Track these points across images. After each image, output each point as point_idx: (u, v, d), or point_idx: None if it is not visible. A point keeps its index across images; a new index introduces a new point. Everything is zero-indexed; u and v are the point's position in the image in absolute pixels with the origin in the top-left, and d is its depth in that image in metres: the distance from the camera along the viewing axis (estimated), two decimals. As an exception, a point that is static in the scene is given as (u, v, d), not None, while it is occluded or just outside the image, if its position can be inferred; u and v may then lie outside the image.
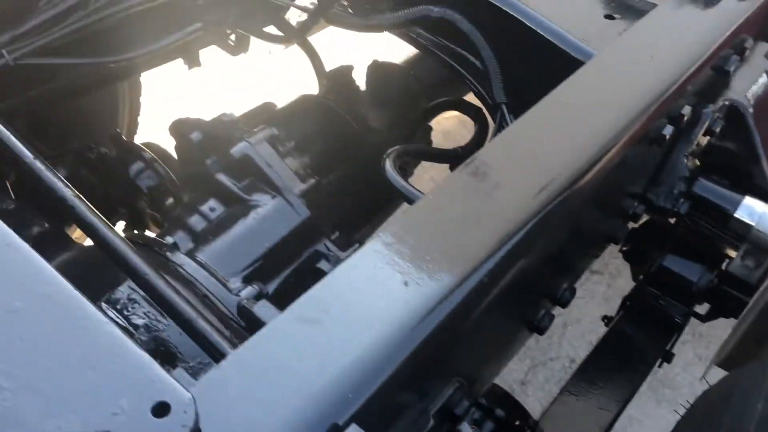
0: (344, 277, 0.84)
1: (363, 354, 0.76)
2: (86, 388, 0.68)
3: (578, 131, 1.10)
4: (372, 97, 1.99)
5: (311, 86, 2.23)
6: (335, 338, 0.78)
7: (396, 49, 2.17)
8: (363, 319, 0.80)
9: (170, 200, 2.07)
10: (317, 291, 0.83)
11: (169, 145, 2.10)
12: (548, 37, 1.38)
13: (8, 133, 1.37)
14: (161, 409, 0.67)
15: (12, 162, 1.35)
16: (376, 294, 0.83)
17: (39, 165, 1.33)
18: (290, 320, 0.80)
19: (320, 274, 1.65)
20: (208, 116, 1.94)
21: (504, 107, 1.43)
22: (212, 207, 1.66)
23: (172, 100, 3.57)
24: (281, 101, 2.03)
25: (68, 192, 1.27)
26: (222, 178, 1.66)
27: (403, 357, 0.79)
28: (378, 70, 2.02)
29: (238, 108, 2.04)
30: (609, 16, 1.43)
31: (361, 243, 1.70)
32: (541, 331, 1.25)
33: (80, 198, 1.29)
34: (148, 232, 2.20)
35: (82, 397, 0.67)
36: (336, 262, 1.65)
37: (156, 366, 0.70)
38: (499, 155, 1.06)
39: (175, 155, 2.08)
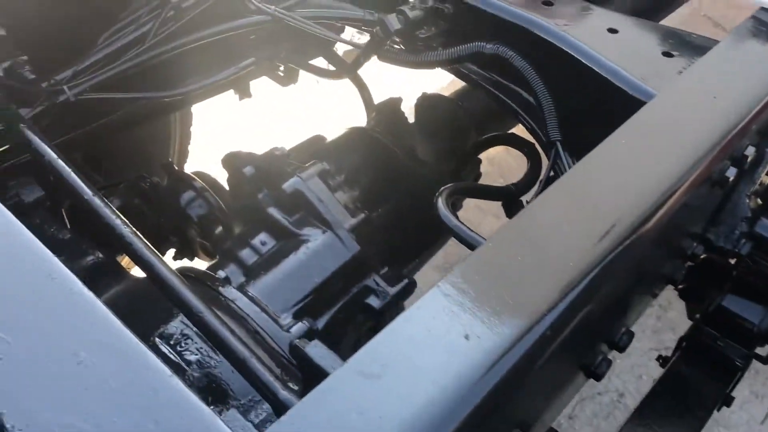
0: (404, 330, 0.83)
1: (423, 410, 0.75)
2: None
3: (641, 175, 1.08)
4: (421, 130, 1.99)
5: (359, 117, 2.24)
6: (395, 394, 0.77)
7: (443, 80, 2.18)
8: (423, 374, 0.79)
9: (220, 229, 2.10)
10: (377, 343, 0.82)
11: (218, 172, 2.13)
12: (604, 75, 1.36)
13: (66, 166, 1.41)
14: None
15: (70, 194, 1.39)
16: (437, 347, 0.82)
17: (98, 201, 1.36)
18: (350, 374, 0.79)
19: (369, 310, 1.65)
20: (258, 147, 1.96)
21: (558, 145, 1.41)
22: (263, 241, 1.67)
23: (221, 129, 3.63)
24: (330, 132, 2.04)
25: (126, 230, 1.30)
26: (273, 212, 1.67)
27: (463, 414, 0.77)
28: (427, 103, 2.02)
29: (288, 139, 2.06)
30: (667, 54, 1.40)
31: (410, 278, 1.70)
32: (598, 377, 1.22)
33: (137, 235, 1.32)
34: (197, 260, 2.24)
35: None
36: (385, 297, 1.64)
37: (219, 422, 0.70)
38: (561, 199, 1.04)
39: (224, 184, 2.11)
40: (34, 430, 0.68)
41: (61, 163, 1.42)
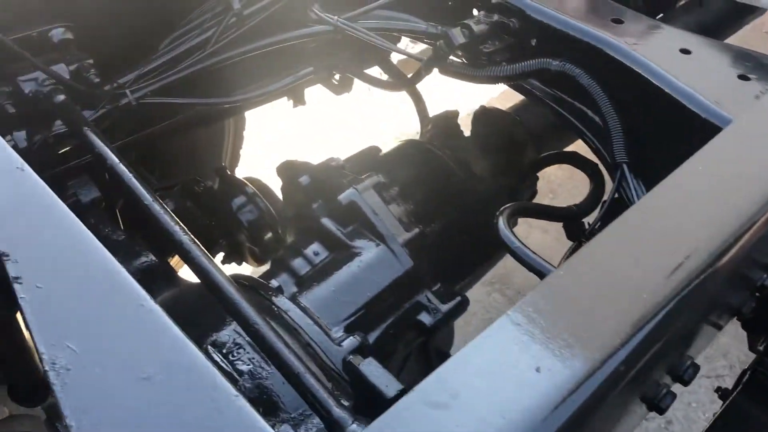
0: (473, 359, 0.81)
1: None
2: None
3: (717, 205, 1.03)
4: (477, 144, 1.96)
5: (413, 127, 2.22)
6: (463, 425, 0.75)
7: (492, 92, 2.14)
8: (493, 407, 0.76)
9: (269, 235, 2.10)
10: (445, 372, 0.80)
11: (269, 178, 2.14)
12: (677, 98, 1.32)
13: (126, 170, 1.42)
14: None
15: (128, 197, 1.40)
16: (507, 379, 0.79)
17: (156, 207, 1.37)
18: (417, 403, 0.77)
19: (420, 327, 1.63)
20: (311, 156, 1.96)
21: (625, 167, 1.37)
22: (316, 251, 1.66)
23: (274, 136, 3.65)
24: (384, 143, 2.03)
25: (185, 236, 1.30)
26: (327, 222, 1.66)
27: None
28: (484, 116, 1.99)
29: (342, 148, 2.05)
30: (743, 77, 1.35)
31: (463, 295, 1.67)
32: (662, 411, 1.17)
33: (195, 241, 1.32)
34: (245, 265, 2.25)
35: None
36: (437, 314, 1.62)
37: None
38: (634, 228, 1.00)
39: (275, 190, 2.11)
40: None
41: (121, 166, 1.43)
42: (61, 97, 1.52)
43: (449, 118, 1.98)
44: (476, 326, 2.94)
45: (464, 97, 2.90)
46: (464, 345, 0.82)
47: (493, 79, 1.54)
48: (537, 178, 1.93)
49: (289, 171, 1.82)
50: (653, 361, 0.94)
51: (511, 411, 0.76)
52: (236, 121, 2.74)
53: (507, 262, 2.91)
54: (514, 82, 1.59)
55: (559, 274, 0.92)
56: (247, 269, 2.26)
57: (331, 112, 3.71)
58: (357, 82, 2.32)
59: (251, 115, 2.80)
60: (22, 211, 0.90)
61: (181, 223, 1.34)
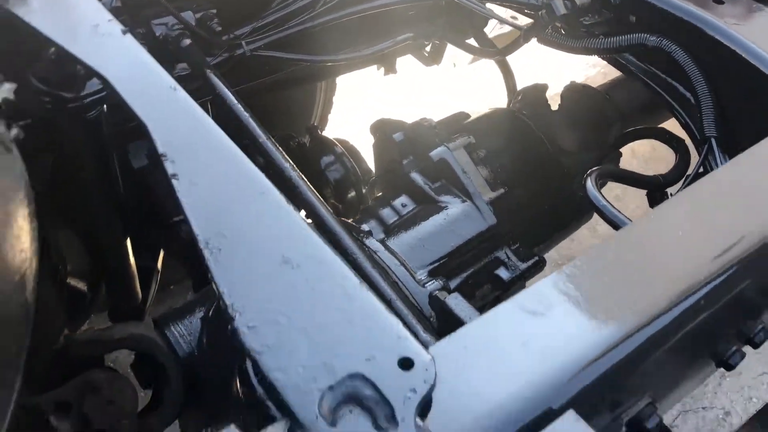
0: (569, 280, 0.90)
1: (585, 349, 0.82)
2: (345, 337, 0.78)
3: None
4: (564, 118, 2.03)
5: (499, 103, 2.30)
6: (558, 331, 0.84)
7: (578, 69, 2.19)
8: (587, 319, 0.85)
9: (352, 193, 2.22)
10: (542, 286, 0.89)
11: (354, 140, 2.26)
12: (773, 77, 1.36)
13: (244, 111, 1.56)
14: (406, 364, 0.76)
15: (245, 136, 1.53)
16: (597, 303, 0.88)
17: (270, 145, 1.50)
18: (515, 309, 0.87)
19: (497, 281, 1.72)
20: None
21: (713, 141, 1.42)
22: (404, 203, 1.77)
23: (362, 104, 3.78)
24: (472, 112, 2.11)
25: (294, 173, 1.43)
26: (416, 177, 1.77)
27: (619, 358, 0.84)
28: (573, 91, 2.05)
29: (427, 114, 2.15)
30: (843, 61, 1.38)
31: (540, 256, 1.75)
32: (729, 368, 1.24)
33: (303, 179, 1.44)
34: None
35: (342, 343, 0.77)
36: (514, 270, 1.71)
37: (402, 328, 0.80)
38: (707, 194, 1.07)
39: (361, 151, 2.23)
40: (248, 312, 0.80)
41: (239, 106, 1.56)
42: (187, 41, 1.67)
43: (538, 91, 2.05)
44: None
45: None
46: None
47: (591, 51, 1.61)
48: (620, 155, 1.99)
49: (382, 128, 1.93)
50: (717, 315, 1.02)
51: (603, 324, 0.86)
52: (327, 85, 2.87)
53: (574, 244, 2.95)
54: (611, 54, 1.65)
55: (635, 226, 1.01)
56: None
57: (416, 87, 3.81)
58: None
59: (341, 86, 2.93)
60: (176, 122, 1.03)
61: (291, 162, 1.47)
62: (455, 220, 1.68)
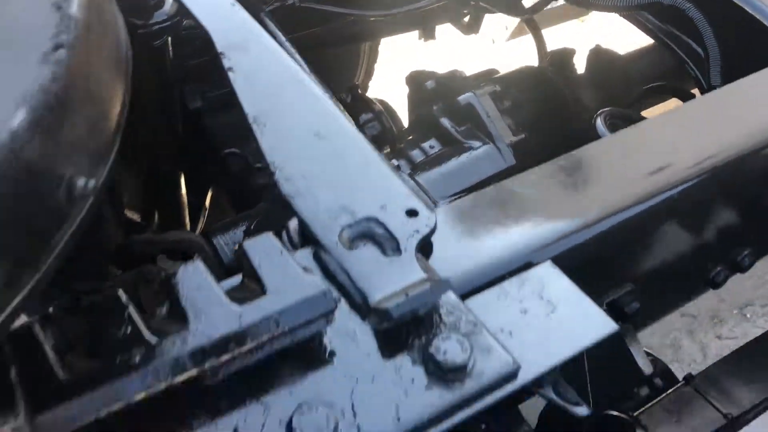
0: (560, 170, 1.05)
1: (568, 223, 0.97)
2: (363, 191, 0.95)
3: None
4: (589, 79, 2.16)
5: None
6: (544, 208, 1.00)
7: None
8: (572, 202, 1.01)
9: (387, 150, 2.38)
10: (533, 173, 1.05)
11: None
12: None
13: (296, 53, 1.73)
14: (412, 213, 0.92)
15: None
16: (581, 189, 1.03)
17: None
18: (508, 189, 1.02)
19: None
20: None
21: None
22: (432, 145, 1.93)
23: (399, 72, 3.93)
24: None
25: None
26: (445, 121, 1.92)
27: (595, 233, 0.99)
28: (598, 55, 2.18)
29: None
30: None
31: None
32: (716, 286, 1.37)
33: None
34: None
35: (360, 195, 0.94)
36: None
37: (411, 191, 0.96)
38: (700, 113, 1.22)
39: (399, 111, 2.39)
40: (286, 168, 0.96)
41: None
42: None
43: (566, 53, 2.18)
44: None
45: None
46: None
47: (609, 8, 1.75)
48: (642, 118, 2.11)
49: (416, 78, 2.09)
50: (696, 221, 1.15)
51: (580, 209, 1.01)
52: (371, 51, 3.03)
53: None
54: (630, 12, 1.78)
55: (615, 137, 1.15)
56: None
57: (453, 63, 3.94)
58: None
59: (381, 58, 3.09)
60: (233, 28, 1.21)
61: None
62: (477, 159, 1.83)
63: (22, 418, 0.60)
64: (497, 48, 3.85)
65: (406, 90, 2.19)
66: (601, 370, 1.11)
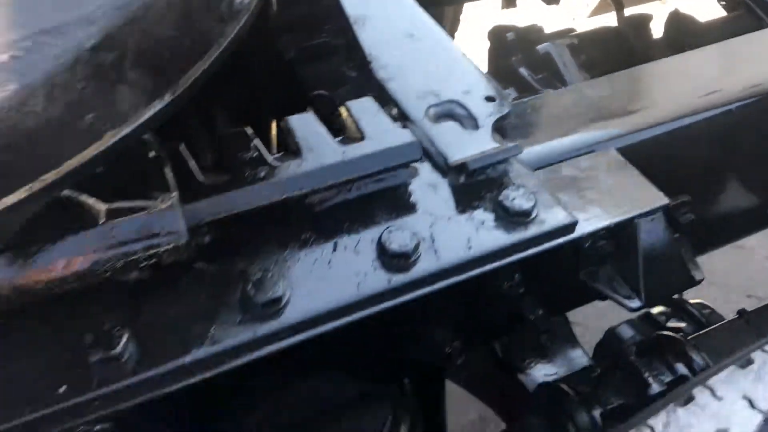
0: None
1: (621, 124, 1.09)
2: (448, 79, 1.08)
3: None
4: (665, 44, 2.23)
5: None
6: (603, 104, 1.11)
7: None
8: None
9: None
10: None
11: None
12: None
13: None
14: (490, 99, 1.05)
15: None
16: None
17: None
18: (575, 90, 1.14)
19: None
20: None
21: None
22: (509, 93, 2.05)
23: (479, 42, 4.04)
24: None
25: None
26: (523, 71, 2.04)
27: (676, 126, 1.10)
28: (678, 19, 2.24)
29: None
30: None
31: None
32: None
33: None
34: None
35: (446, 82, 1.08)
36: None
37: (489, 82, 1.09)
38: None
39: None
40: (381, 59, 1.11)
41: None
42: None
43: (644, 18, 2.26)
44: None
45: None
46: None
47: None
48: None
49: (497, 32, 2.21)
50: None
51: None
52: (454, 18, 3.16)
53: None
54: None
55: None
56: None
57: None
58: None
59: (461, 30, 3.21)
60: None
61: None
62: (551, 104, 1.94)
63: (176, 198, 0.77)
64: (577, 25, 3.89)
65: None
66: (653, 271, 1.21)
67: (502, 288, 1.11)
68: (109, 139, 0.61)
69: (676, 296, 1.64)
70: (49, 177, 0.58)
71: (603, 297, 1.21)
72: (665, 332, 1.48)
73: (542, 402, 1.38)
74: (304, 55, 2.27)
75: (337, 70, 2.33)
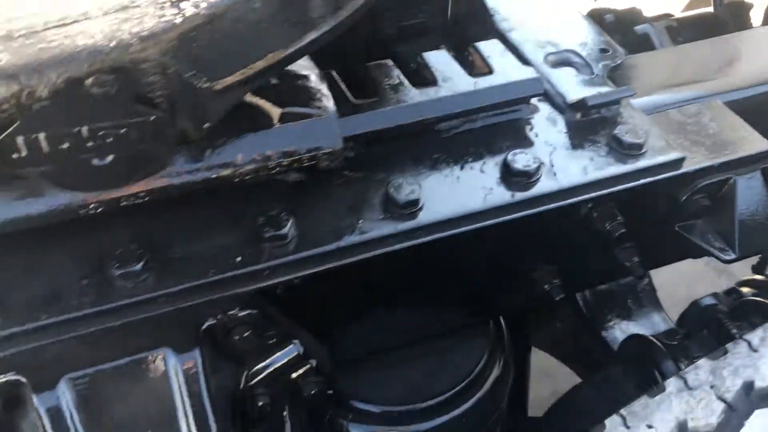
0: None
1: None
2: (565, 33, 1.18)
3: None
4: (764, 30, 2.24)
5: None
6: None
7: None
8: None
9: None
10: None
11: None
12: None
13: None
14: (604, 50, 1.14)
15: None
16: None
17: None
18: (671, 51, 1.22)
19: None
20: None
21: None
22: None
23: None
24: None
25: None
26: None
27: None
28: (777, 9, 2.26)
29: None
30: None
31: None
32: None
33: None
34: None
35: (562, 34, 1.17)
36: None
37: (603, 33, 1.18)
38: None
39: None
40: (503, 13, 1.21)
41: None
42: None
43: (744, 5, 2.29)
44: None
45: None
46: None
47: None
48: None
49: (596, 14, 2.27)
50: None
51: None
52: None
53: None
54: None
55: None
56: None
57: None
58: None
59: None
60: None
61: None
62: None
63: (334, 111, 0.90)
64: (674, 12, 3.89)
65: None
66: (748, 225, 1.27)
67: (603, 229, 1.19)
68: (305, 39, 0.74)
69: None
70: (259, 65, 0.71)
71: (695, 254, 1.27)
72: (752, 297, 1.53)
73: (630, 352, 1.45)
74: (402, 33, 2.39)
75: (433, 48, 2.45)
